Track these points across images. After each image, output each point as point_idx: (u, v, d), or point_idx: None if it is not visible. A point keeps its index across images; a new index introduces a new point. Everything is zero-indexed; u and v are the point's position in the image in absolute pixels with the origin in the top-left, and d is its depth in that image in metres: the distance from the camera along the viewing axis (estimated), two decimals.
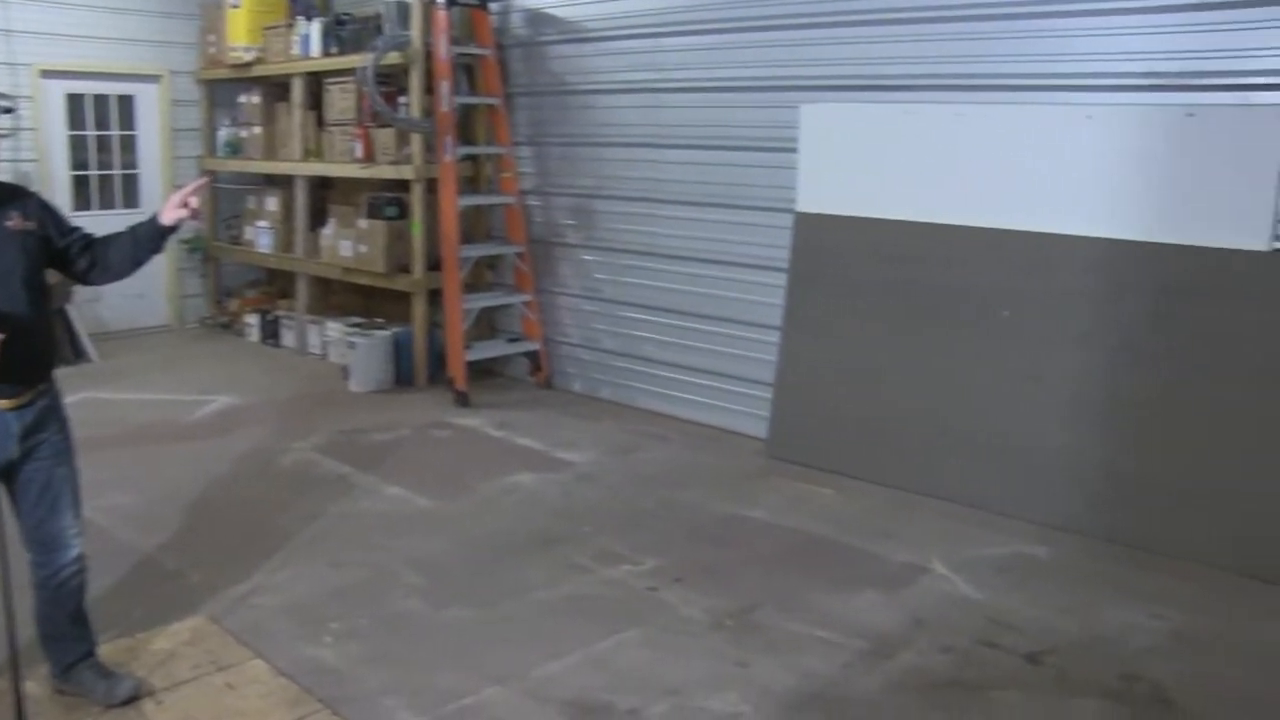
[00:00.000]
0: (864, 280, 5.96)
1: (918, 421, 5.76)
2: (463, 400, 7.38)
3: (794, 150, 6.20)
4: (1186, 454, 4.96)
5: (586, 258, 7.57)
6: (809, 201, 6.19)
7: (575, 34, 7.20)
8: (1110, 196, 5.14)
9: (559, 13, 7.37)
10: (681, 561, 4.94)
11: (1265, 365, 4.76)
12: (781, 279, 6.32)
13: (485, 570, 4.83)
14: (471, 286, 7.76)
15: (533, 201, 7.81)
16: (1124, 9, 5.06)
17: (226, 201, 9.82)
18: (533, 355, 7.89)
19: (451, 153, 7.17)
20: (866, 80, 5.93)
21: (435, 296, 7.70)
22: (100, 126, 9.37)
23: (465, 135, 7.79)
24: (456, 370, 7.40)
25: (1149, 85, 5.06)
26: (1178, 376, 4.97)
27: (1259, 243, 4.76)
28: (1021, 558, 5.03)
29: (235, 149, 9.47)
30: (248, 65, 8.87)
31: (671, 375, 7.17)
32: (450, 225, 7.24)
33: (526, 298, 7.75)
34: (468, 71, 7.70)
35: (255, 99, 9.13)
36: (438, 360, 7.74)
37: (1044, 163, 5.32)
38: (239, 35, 8.85)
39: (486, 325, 8.27)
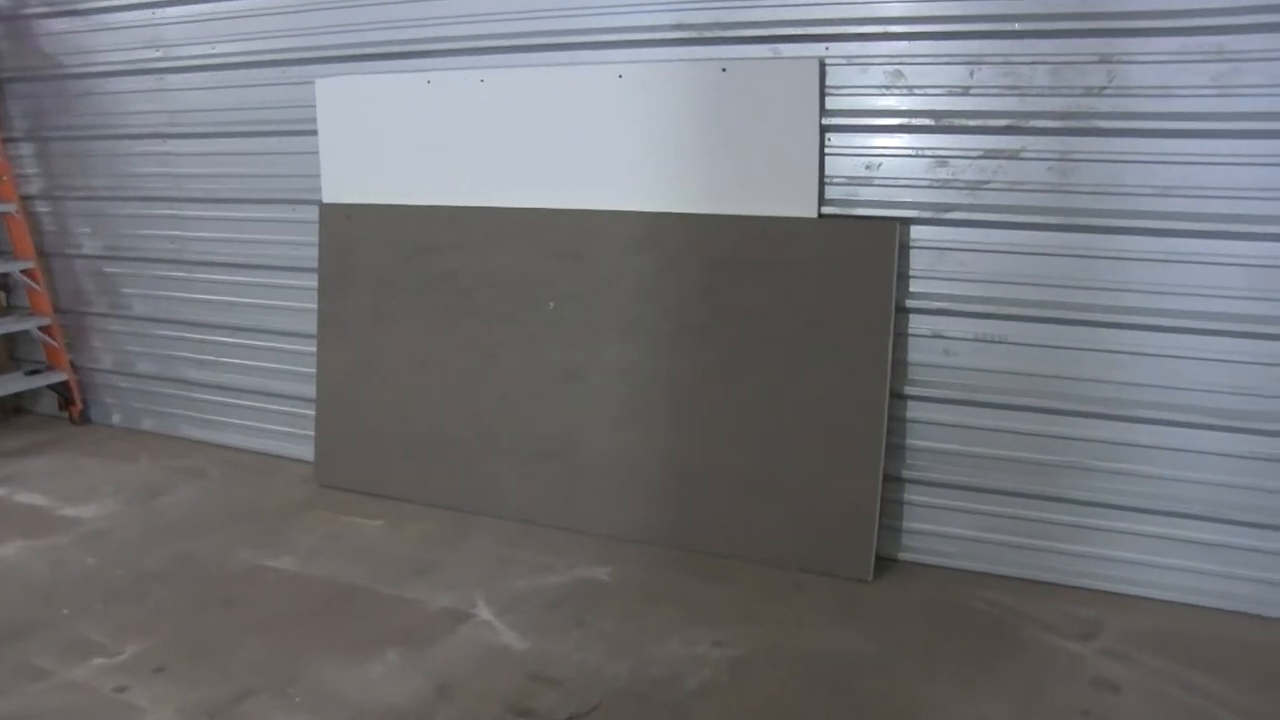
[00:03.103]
0: (397, 277, 4.82)
1: (463, 433, 4.72)
2: None
3: (316, 133, 4.94)
4: (742, 443, 4.18)
5: (109, 270, 6.06)
6: (333, 190, 4.99)
7: (64, 4, 5.63)
8: (650, 166, 4.26)
9: None
10: (171, 642, 3.73)
11: (818, 341, 3.95)
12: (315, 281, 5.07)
13: None
14: None
15: (41, 207, 6.22)
16: None
17: None
18: (61, 387, 6.25)
19: None
20: (388, 47, 4.81)
21: None
22: None
23: None
24: None
25: (680, 39, 4.17)
26: (730, 361, 4.16)
27: (807, 209, 3.95)
28: (579, 584, 4.08)
29: None
30: None
31: (214, 399, 5.82)
32: None
33: (44, 321, 6.12)
34: None
35: None
36: None
37: (577, 131, 4.39)
38: None
39: (6, 355, 6.55)
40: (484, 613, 3.88)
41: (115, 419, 6.28)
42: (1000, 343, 3.86)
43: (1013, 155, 3.71)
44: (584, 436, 4.44)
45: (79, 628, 3.84)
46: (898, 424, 4.04)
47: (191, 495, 5.18)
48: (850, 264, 3.91)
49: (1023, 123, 3.66)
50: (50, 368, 6.29)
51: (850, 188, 3.97)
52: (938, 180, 3.83)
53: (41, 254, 6.17)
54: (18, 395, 6.44)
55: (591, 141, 4.32)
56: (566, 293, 4.41)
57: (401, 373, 4.84)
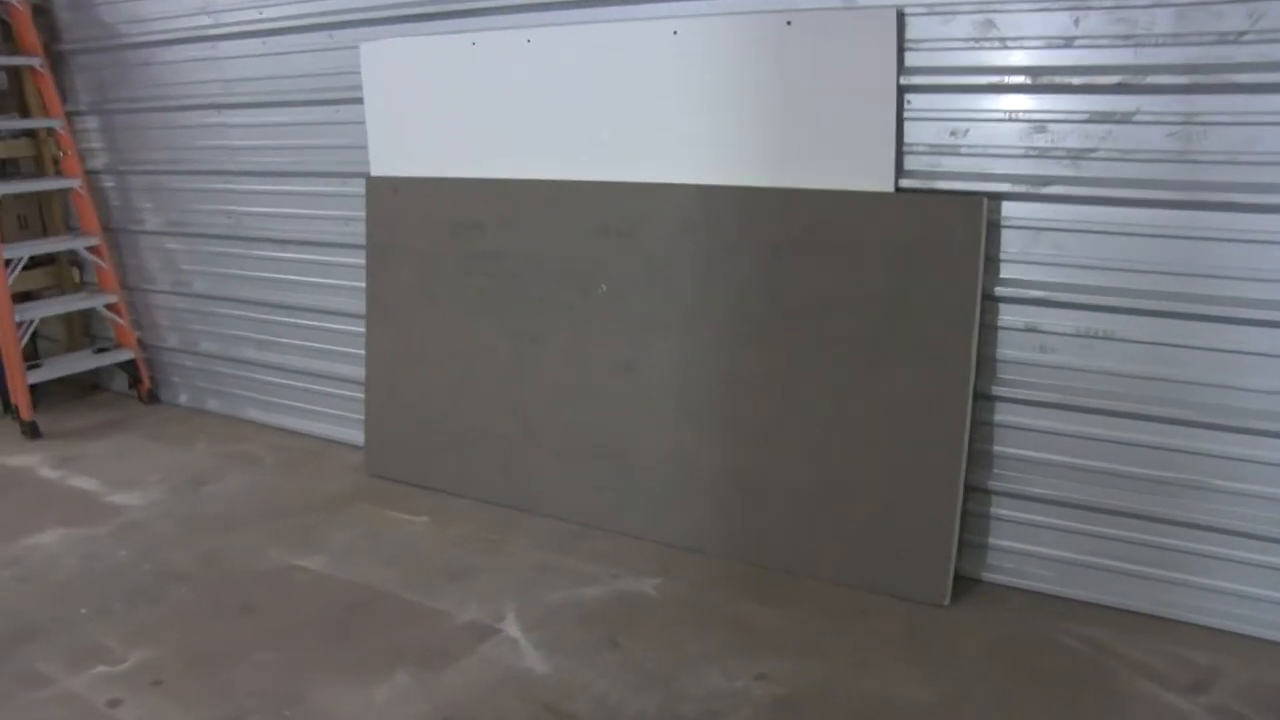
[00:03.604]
0: (441, 257, 4.44)
1: (509, 425, 4.35)
2: (31, 430, 5.58)
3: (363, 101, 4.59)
4: (807, 447, 3.70)
5: (171, 246, 5.84)
6: (380, 163, 4.63)
7: None
8: (706, 133, 3.78)
9: None
10: (178, 651, 3.45)
11: (893, 334, 3.43)
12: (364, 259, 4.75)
13: None
14: (34, 293, 5.92)
15: (107, 183, 6.01)
16: None
17: None
18: (129, 366, 6.07)
19: None
20: (433, 5, 4.38)
21: None
22: None
23: (19, 106, 5.89)
24: (18, 396, 5.55)
25: None
26: (795, 356, 3.66)
27: (882, 182, 3.40)
28: (621, 599, 3.66)
29: None
30: None
31: (273, 380, 5.55)
32: None
33: (110, 298, 5.95)
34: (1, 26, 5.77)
35: None
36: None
37: (627, 94, 3.92)
38: None
39: (81, 333, 6.42)
40: (511, 628, 3.48)
41: (182, 399, 6.09)
42: (1105, 339, 3.27)
43: (1125, 118, 3.11)
44: (636, 435, 4.00)
45: (92, 630, 3.60)
46: (984, 429, 3.50)
47: (238, 485, 4.91)
48: (931, 245, 3.36)
49: (1138, 79, 3.05)
50: (118, 346, 6.10)
51: (932, 157, 3.42)
52: (1034, 149, 3.25)
53: (107, 230, 5.99)
54: (94, 373, 6.29)
55: (643, 106, 3.86)
56: (617, 276, 3.95)
57: (447, 359, 4.47)
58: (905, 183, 3.43)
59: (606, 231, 3.97)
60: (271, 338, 5.48)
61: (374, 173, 4.66)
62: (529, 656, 3.33)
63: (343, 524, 4.40)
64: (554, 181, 4.09)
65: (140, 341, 6.12)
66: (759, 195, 3.66)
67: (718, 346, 3.78)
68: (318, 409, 5.35)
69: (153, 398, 6.17)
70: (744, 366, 3.74)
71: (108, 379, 6.42)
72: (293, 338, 5.37)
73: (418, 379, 4.59)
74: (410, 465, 4.66)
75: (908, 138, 3.43)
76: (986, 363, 3.45)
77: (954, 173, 3.39)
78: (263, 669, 3.31)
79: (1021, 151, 3.28)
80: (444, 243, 4.40)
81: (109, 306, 5.98)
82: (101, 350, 6.13)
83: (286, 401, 5.52)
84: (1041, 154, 3.25)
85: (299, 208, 5.12)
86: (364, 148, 4.69)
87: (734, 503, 3.83)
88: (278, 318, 5.41)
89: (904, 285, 3.42)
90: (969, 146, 3.35)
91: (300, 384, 5.41)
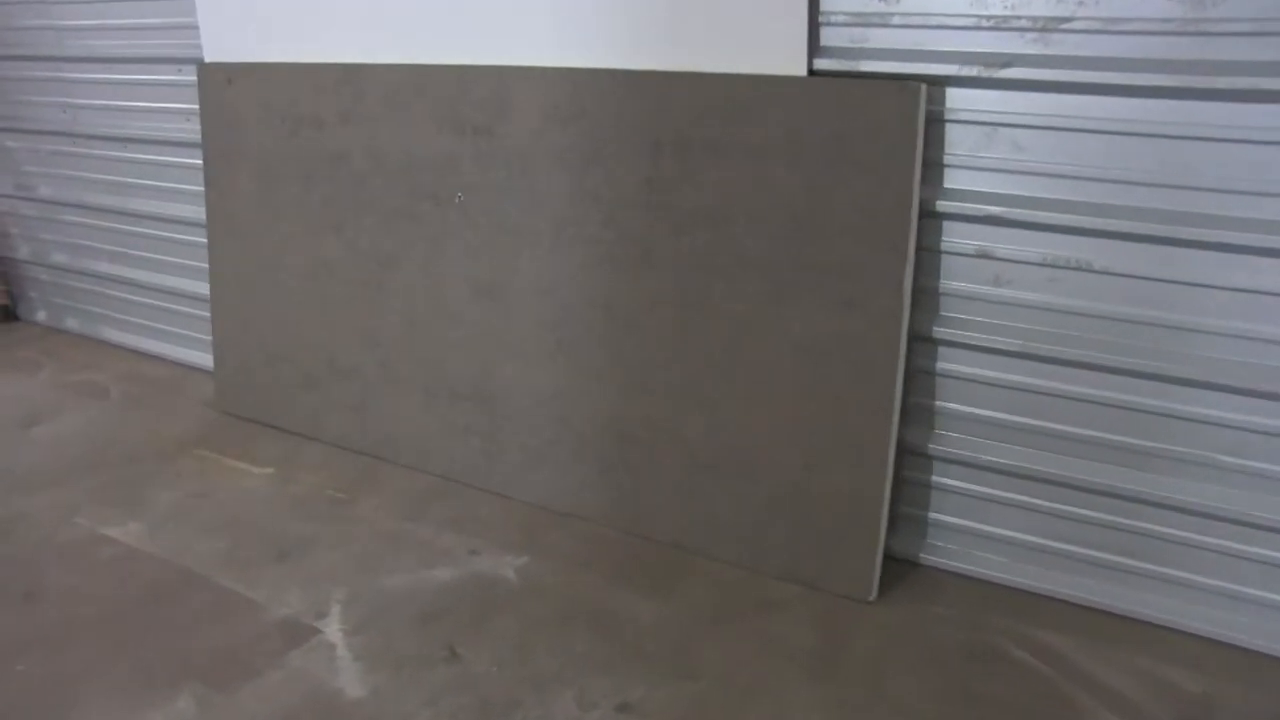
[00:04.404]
0: (282, 159, 3.61)
1: (363, 360, 3.57)
2: None
3: None
4: (702, 396, 2.92)
5: (9, 144, 4.92)
6: (214, 46, 3.73)
7: None
8: (580, 3, 2.82)
9: None
10: None
11: (805, 258, 2.61)
12: None
13: None
14: None
15: None
16: None
17: None
18: None
19: None
20: None
21: None
22: None
23: None
24: None
25: None
26: (687, 283, 2.87)
27: (792, 63, 2.53)
28: (474, 585, 2.96)
29: None
30: None
31: (128, 297, 4.75)
32: None
33: None
34: None
35: None
36: None
37: None
38: None
39: None
40: (332, 629, 2.76)
41: (40, 316, 5.28)
42: (1078, 270, 2.46)
43: None
44: (503, 374, 3.22)
45: None
46: (923, 379, 2.72)
47: (72, 425, 4.15)
48: (854, 145, 2.53)
49: None
50: None
51: (856, 29, 2.56)
52: (990, 18, 2.39)
53: None
54: None
55: None
56: (474, 181, 3.11)
57: (294, 281, 3.66)
58: (821, 63, 2.58)
59: (461, 128, 3.11)
60: (122, 249, 4.64)
61: (208, 58, 3.76)
62: (344, 672, 2.60)
63: (174, 478, 3.66)
64: (402, 66, 3.23)
65: None
66: (638, 81, 2.81)
67: (594, 268, 2.98)
68: (175, 330, 4.56)
69: (9, 314, 5.35)
70: (625, 294, 2.94)
71: None
72: (143, 250, 4.55)
73: (265, 304, 3.78)
74: (262, 403, 3.89)
75: (824, 5, 2.56)
76: (926, 296, 2.65)
77: (884, 50, 2.56)
78: (21, 684, 2.58)
79: (972, 22, 2.42)
80: (284, 142, 3.54)
81: None
82: None
83: (142, 321, 4.73)
84: (999, 25, 2.39)
85: (135, 99, 4.24)
86: (196, 27, 3.77)
87: (615, 459, 3.07)
88: (125, 226, 4.58)
89: (819, 196, 2.59)
90: (903, 15, 2.49)
91: (155, 302, 4.61)
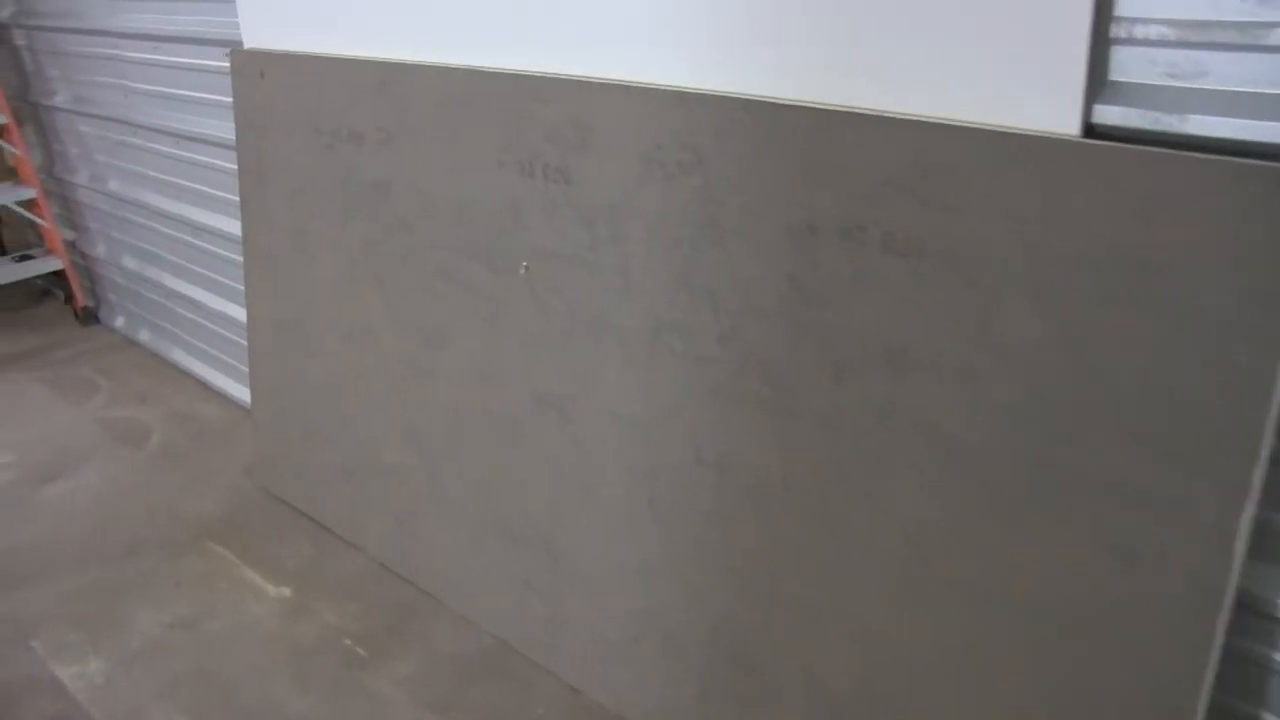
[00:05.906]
0: (317, 181, 2.70)
1: (406, 456, 2.65)
2: None
3: None
4: (857, 623, 1.78)
5: (83, 129, 4.17)
6: (253, 28, 2.75)
7: None
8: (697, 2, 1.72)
9: None
10: None
11: (1067, 455, 1.45)
12: None
13: None
14: None
15: (17, 40, 4.33)
16: None
17: None
18: (59, 277, 4.55)
19: None
20: None
21: None
22: None
23: None
24: None
25: None
26: (857, 455, 1.76)
27: (1061, 116, 1.31)
28: None
29: None
30: None
31: (194, 319, 3.96)
32: None
33: (28, 193, 4.35)
34: None
35: None
36: None
37: None
38: None
39: (22, 236, 4.94)
40: None
41: (119, 323, 4.57)
42: None
43: None
44: (574, 526, 2.18)
45: None
46: (1254, 674, 1.47)
47: (91, 486, 3.42)
48: (1166, 274, 1.36)
49: None
50: (48, 253, 4.53)
51: (1180, 53, 1.30)
52: None
53: (23, 101, 4.34)
54: (33, 282, 4.78)
55: None
56: (545, 246, 2.05)
57: (332, 342, 2.70)
58: (1106, 113, 1.35)
59: (529, 166, 2.03)
60: (185, 263, 3.81)
61: (246, 43, 2.80)
62: None
63: (170, 588, 2.82)
64: (454, 70, 2.15)
65: (73, 248, 4.54)
66: (792, 120, 1.65)
67: (703, 402, 1.86)
68: (238, 365, 3.71)
69: (90, 317, 4.66)
70: (749, 451, 1.83)
71: (58, 290, 4.93)
72: (204, 267, 3.72)
73: (302, 365, 2.87)
74: (301, 485, 3.00)
75: (1115, 31, 1.32)
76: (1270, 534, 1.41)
77: (1231, 97, 1.28)
78: None
79: None
80: (318, 159, 2.57)
81: (25, 203, 4.39)
82: (25, 258, 4.57)
83: (207, 348, 3.96)
84: None
85: (187, 88, 3.35)
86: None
87: (720, 685, 1.99)
88: (186, 237, 3.73)
89: (1092, 360, 1.39)
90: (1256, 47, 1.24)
91: (219, 329, 3.81)
